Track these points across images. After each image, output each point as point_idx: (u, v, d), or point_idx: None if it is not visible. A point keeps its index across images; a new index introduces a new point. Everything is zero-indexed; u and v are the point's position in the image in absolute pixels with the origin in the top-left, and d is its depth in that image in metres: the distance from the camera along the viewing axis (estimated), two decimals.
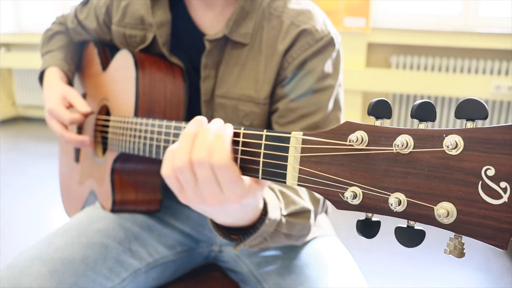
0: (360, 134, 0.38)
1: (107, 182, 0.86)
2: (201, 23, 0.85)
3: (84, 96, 1.06)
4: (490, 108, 2.95)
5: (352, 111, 3.05)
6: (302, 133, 0.45)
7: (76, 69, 1.07)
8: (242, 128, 0.54)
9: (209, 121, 0.83)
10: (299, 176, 0.45)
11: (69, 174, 1.12)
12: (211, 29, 0.85)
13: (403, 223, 0.38)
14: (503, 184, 0.30)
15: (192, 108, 0.87)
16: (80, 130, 1.03)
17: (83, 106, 0.90)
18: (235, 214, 0.55)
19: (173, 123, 0.67)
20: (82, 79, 1.08)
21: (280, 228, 0.65)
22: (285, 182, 0.46)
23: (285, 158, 0.46)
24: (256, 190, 0.52)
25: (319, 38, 0.79)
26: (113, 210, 0.85)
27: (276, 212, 0.63)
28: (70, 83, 1.03)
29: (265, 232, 0.63)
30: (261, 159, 0.50)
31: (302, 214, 0.69)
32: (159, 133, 0.69)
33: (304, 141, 0.45)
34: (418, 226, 0.37)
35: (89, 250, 0.78)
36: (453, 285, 1.78)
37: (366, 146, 0.38)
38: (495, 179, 0.31)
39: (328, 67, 0.80)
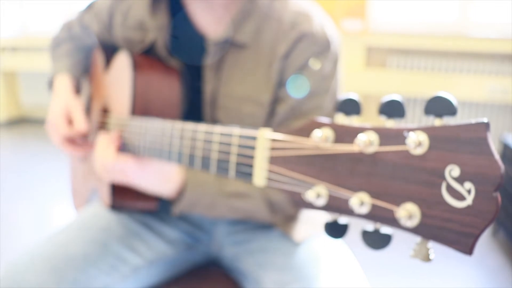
0: (325, 131, 0.36)
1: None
2: (201, 25, 0.85)
3: (90, 97, 1.08)
4: (487, 110, 2.95)
5: None
6: (270, 131, 0.43)
7: (85, 72, 1.10)
8: (217, 128, 0.53)
9: (211, 122, 0.87)
10: (267, 176, 0.43)
11: (76, 172, 1.15)
12: (212, 31, 0.85)
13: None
14: (467, 185, 0.28)
15: (193, 109, 0.88)
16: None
17: (79, 123, 0.91)
18: (142, 183, 0.76)
19: (162, 123, 0.67)
20: (89, 81, 1.11)
21: (218, 200, 0.79)
22: (252, 182, 0.45)
23: (254, 158, 0.45)
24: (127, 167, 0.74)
25: (316, 41, 0.79)
26: (112, 206, 0.85)
27: (201, 188, 0.78)
28: (79, 86, 1.06)
29: (198, 203, 0.79)
30: (234, 159, 0.49)
31: (241, 196, 0.79)
32: (153, 132, 0.70)
33: (273, 140, 0.43)
34: (385, 229, 0.36)
35: (90, 247, 0.79)
36: (450, 282, 1.77)
37: (332, 143, 0.36)
38: (460, 179, 0.29)
39: (325, 70, 0.81)
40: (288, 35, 0.80)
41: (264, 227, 0.88)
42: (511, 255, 1.98)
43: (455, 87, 2.84)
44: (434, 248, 0.32)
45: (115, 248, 0.81)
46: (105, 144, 0.77)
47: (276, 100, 0.83)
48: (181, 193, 0.78)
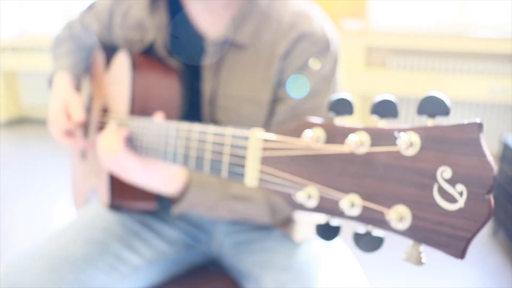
0: (316, 131, 0.36)
1: (106, 178, 0.87)
2: (201, 25, 0.85)
3: (91, 97, 1.08)
4: (487, 110, 2.94)
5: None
6: (262, 131, 0.43)
7: (85, 71, 1.10)
8: (211, 128, 0.52)
9: (210, 122, 0.87)
10: (259, 177, 0.42)
11: (77, 171, 1.15)
12: (211, 31, 0.85)
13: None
14: (459, 187, 0.28)
15: (192, 109, 0.87)
16: (86, 129, 1.05)
17: (77, 114, 0.91)
18: (143, 183, 0.75)
19: (158, 122, 0.67)
20: (90, 81, 1.11)
21: (220, 202, 0.79)
22: (244, 183, 0.44)
23: (246, 158, 0.44)
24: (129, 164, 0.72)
25: (316, 42, 0.79)
26: (111, 206, 0.84)
27: (204, 190, 0.78)
28: (79, 85, 1.06)
29: (199, 203, 0.78)
30: (226, 159, 0.48)
31: (245, 199, 0.79)
32: (149, 132, 0.70)
33: (265, 140, 0.42)
34: (377, 232, 0.35)
35: (90, 247, 0.79)
36: (450, 282, 1.76)
37: (323, 143, 0.36)
38: (452, 181, 0.28)
39: (325, 71, 0.81)
40: (288, 35, 0.80)
41: (264, 227, 0.88)
42: (511, 255, 1.97)
43: (455, 87, 2.83)
44: (432, 250, 0.31)
45: (115, 248, 0.81)
46: (113, 130, 0.75)
47: (275, 100, 0.83)
48: (183, 193, 0.77)
